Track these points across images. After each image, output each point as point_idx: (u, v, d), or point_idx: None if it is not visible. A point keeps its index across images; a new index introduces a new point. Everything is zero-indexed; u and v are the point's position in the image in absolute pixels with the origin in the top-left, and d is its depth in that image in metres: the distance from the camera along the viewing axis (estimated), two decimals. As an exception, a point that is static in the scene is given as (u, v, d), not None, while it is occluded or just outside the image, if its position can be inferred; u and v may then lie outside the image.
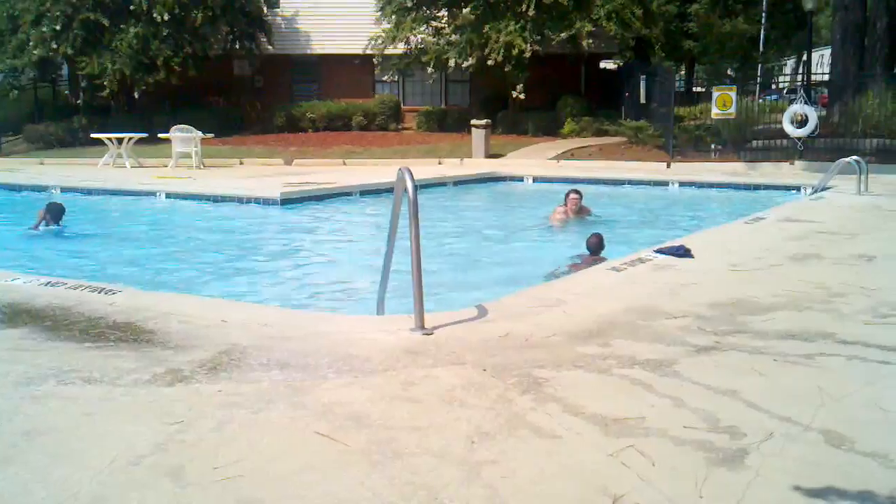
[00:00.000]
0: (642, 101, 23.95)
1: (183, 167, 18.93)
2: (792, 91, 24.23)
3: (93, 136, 21.10)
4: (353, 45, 27.05)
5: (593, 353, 4.13)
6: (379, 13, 25.70)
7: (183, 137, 19.37)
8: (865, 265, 6.64)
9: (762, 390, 3.57)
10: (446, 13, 25.76)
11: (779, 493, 2.64)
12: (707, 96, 22.74)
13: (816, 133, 18.19)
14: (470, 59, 24.05)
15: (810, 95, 20.15)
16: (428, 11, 25.59)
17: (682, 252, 6.95)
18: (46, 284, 5.76)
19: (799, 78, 28.85)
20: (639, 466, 2.82)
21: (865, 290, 5.59)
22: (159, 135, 20.23)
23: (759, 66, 42.77)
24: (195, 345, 4.28)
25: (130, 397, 3.54)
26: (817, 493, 2.63)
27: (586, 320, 4.79)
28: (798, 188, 14.31)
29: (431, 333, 4.47)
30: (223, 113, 27.19)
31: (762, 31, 41.27)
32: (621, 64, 30.78)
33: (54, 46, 24.03)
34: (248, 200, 13.15)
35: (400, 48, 25.72)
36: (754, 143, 20.00)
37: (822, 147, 18.47)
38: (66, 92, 29.63)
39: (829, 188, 12.78)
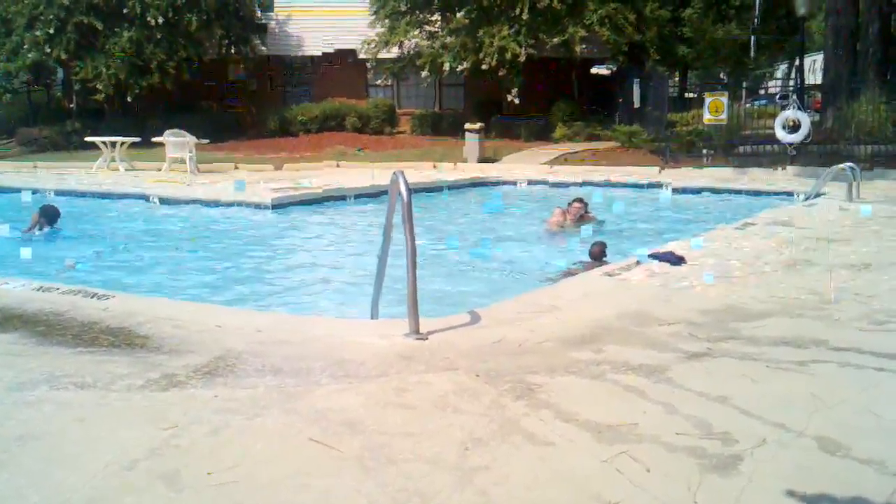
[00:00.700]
0: (635, 105, 24.00)
1: (177, 171, 18.89)
2: (784, 97, 24.30)
3: (86, 139, 21.05)
4: (348, 48, 27.07)
5: (586, 359, 4.14)
6: (373, 17, 25.73)
7: (177, 142, 19.32)
8: (858, 272, 6.66)
9: (755, 397, 3.58)
10: (440, 17, 25.82)
11: (772, 499, 2.65)
12: (699, 102, 22.79)
13: (809, 139, 18.24)
14: (464, 63, 24.09)
15: (803, 101, 20.22)
16: (422, 15, 25.64)
17: (675, 258, 6.97)
18: (39, 289, 5.75)
19: (791, 83, 28.95)
20: (632, 473, 2.83)
21: (858, 296, 5.61)
22: (153, 139, 20.19)
23: (751, 71, 42.86)
24: (189, 350, 4.28)
25: (124, 402, 3.54)
26: (811, 500, 2.64)
27: (579, 326, 4.80)
28: (790, 194, 14.34)
29: (425, 338, 4.47)
30: (217, 117, 27.17)
31: (752, 37, 41.34)
32: (614, 69, 30.81)
33: (48, 50, 23.96)
34: (240, 205, 13.14)
35: (394, 52, 25.75)
36: (746, 148, 20.04)
37: (815, 153, 18.52)
38: (60, 95, 29.58)
39: (822, 194, 12.81)
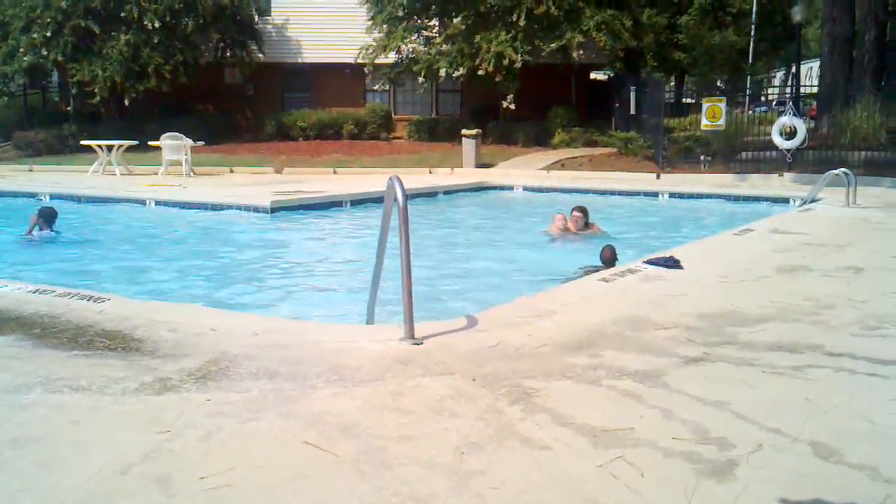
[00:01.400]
0: (632, 112, 24.05)
1: (173, 175, 18.90)
2: (781, 103, 24.37)
3: (83, 143, 21.08)
4: (345, 53, 27.11)
5: (583, 364, 4.14)
6: (370, 22, 25.77)
7: (173, 145, 19.35)
8: (854, 277, 6.67)
9: (751, 401, 3.58)
10: (437, 23, 25.89)
11: (767, 504, 2.65)
12: (697, 108, 22.84)
13: (805, 145, 18.30)
14: (461, 68, 24.15)
15: (799, 107, 20.27)
16: (419, 21, 25.71)
17: (672, 263, 6.97)
18: (35, 292, 5.74)
19: (788, 90, 29.01)
20: (628, 478, 2.82)
21: (853, 301, 5.61)
22: (149, 142, 20.19)
23: (749, 77, 42.97)
24: (184, 353, 4.27)
25: (119, 406, 3.53)
26: (805, 505, 2.64)
27: (576, 331, 4.80)
28: (787, 200, 14.37)
29: (421, 343, 4.46)
30: (214, 121, 27.21)
31: (751, 43, 41.51)
32: (612, 75, 30.92)
33: (44, 53, 24.03)
34: (238, 208, 13.13)
35: (391, 57, 25.79)
36: (743, 154, 20.10)
37: (811, 159, 18.58)
38: (57, 99, 29.61)
39: (817, 200, 12.84)
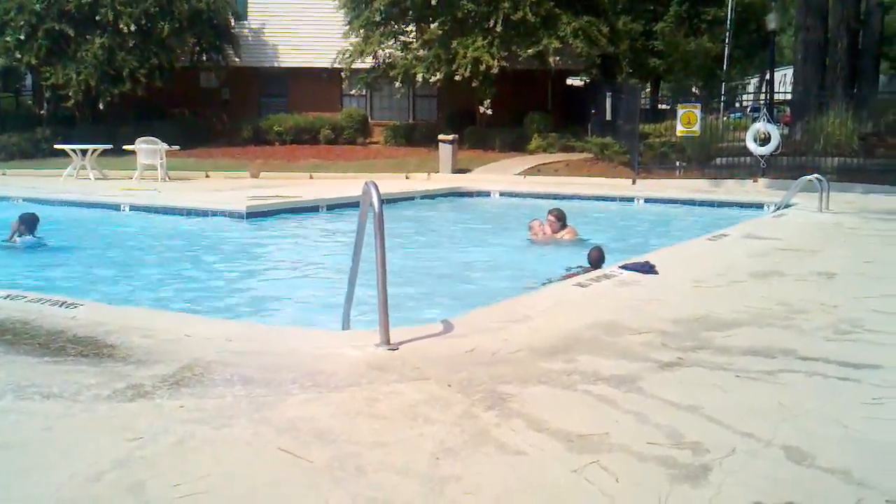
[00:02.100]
0: (608, 117, 24.18)
1: (148, 179, 18.77)
2: (755, 109, 24.59)
3: (56, 147, 20.87)
4: (322, 58, 27.06)
5: (558, 369, 4.14)
6: (347, 27, 25.74)
7: (148, 149, 19.21)
8: (826, 282, 6.73)
9: (725, 406, 3.59)
10: (414, 28, 25.90)
11: (740, 508, 2.66)
12: (672, 114, 23.00)
13: (779, 151, 18.46)
14: (437, 74, 24.17)
15: (773, 114, 20.46)
16: (396, 26, 25.72)
17: (647, 268, 7.00)
18: (6, 297, 5.67)
19: (762, 96, 29.26)
20: (602, 482, 2.82)
21: (826, 306, 5.66)
22: (124, 146, 20.04)
23: (723, 84, 43.32)
24: (157, 359, 4.23)
25: (90, 413, 3.49)
26: (778, 509, 2.65)
27: (552, 336, 4.80)
28: (761, 205, 14.48)
29: (397, 349, 4.45)
30: (189, 125, 27.05)
31: (726, 50, 41.84)
32: (588, 81, 31.02)
33: (18, 56, 23.81)
34: (214, 213, 13.06)
35: (368, 62, 25.77)
36: (718, 160, 20.25)
37: (785, 165, 18.74)
38: (30, 102, 29.34)
39: (791, 205, 12.94)
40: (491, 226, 14.16)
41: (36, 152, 23.95)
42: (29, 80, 28.55)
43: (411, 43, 25.82)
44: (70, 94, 24.07)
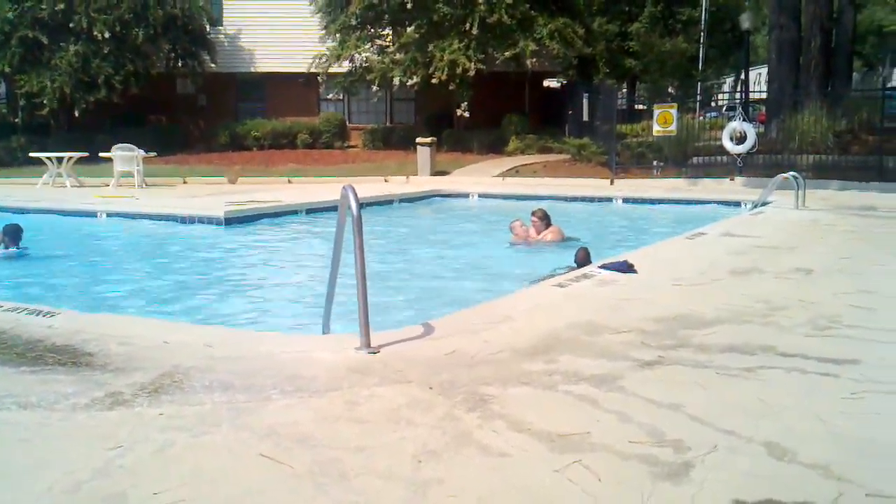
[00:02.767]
0: (585, 118, 24.26)
1: (125, 186, 18.65)
2: (731, 108, 24.75)
3: (32, 155, 20.69)
4: (298, 63, 27.00)
5: (539, 370, 4.14)
6: (323, 32, 25.70)
7: (124, 156, 19.09)
8: (804, 278, 6.78)
9: (705, 404, 3.61)
10: (391, 32, 25.89)
11: (723, 505, 2.67)
12: (649, 114, 23.12)
13: (755, 149, 18.58)
14: (414, 77, 24.19)
15: (749, 113, 20.59)
16: (372, 30, 25.72)
17: (626, 267, 7.02)
18: (-18, 307, 5.61)
19: (738, 96, 29.45)
20: (585, 482, 2.83)
21: (804, 302, 5.70)
22: (100, 154, 19.90)
23: (699, 84, 43.55)
24: (136, 367, 4.20)
25: (69, 422, 3.46)
26: (760, 505, 2.66)
27: (533, 337, 4.81)
28: (738, 203, 14.58)
29: (377, 352, 4.44)
30: (166, 131, 26.92)
31: (701, 50, 42.07)
32: (565, 82, 31.14)
33: (-9, 64, 23.61)
34: (192, 220, 12.99)
35: (345, 67, 25.74)
36: (695, 159, 20.36)
37: (761, 163, 18.87)
38: (4, 111, 29.07)
39: (768, 203, 13.04)
40: (471, 228, 14.16)
41: (11, 161, 23.72)
42: (3, 89, 28.29)
43: (388, 46, 25.82)
44: (45, 101, 23.92)
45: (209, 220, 12.84)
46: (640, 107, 39.59)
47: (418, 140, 21.75)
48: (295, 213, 14.13)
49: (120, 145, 19.26)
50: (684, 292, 6.26)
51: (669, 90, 42.43)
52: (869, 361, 4.25)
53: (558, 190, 17.13)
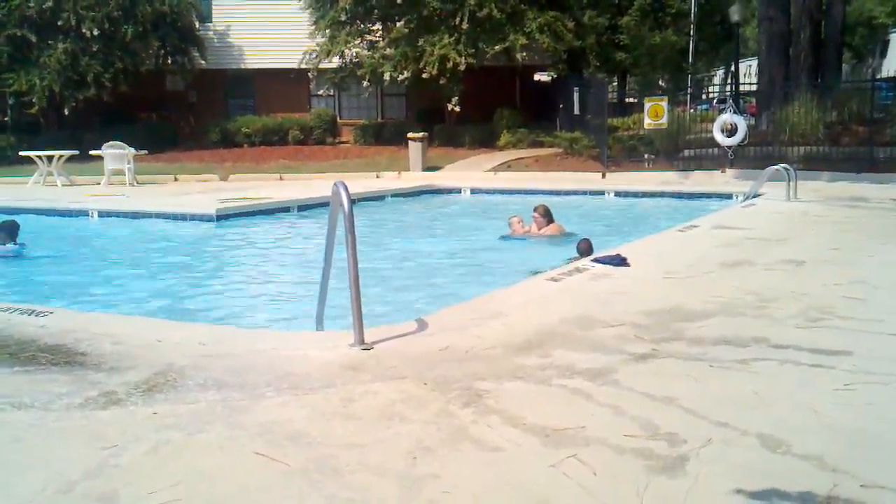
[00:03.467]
0: (576, 112, 24.25)
1: (116, 184, 18.60)
2: (722, 101, 24.79)
3: (21, 154, 20.62)
4: (288, 59, 26.92)
5: (533, 364, 4.14)
6: (313, 27, 25.63)
7: (115, 154, 19.04)
8: (796, 270, 6.80)
9: (699, 396, 3.61)
10: (380, 27, 25.84)
11: (718, 498, 2.67)
12: (640, 107, 23.13)
13: (746, 141, 18.62)
14: (405, 72, 24.13)
15: (739, 105, 20.63)
16: (362, 25, 25.64)
17: (619, 261, 7.03)
18: (-27, 308, 5.59)
19: (728, 88, 29.48)
20: (580, 476, 2.83)
21: (796, 294, 5.71)
22: (91, 152, 19.83)
23: (690, 76, 43.58)
24: (129, 366, 4.19)
25: (62, 422, 3.45)
26: (756, 497, 2.66)
27: (526, 331, 4.81)
28: (730, 196, 14.61)
29: (371, 348, 4.44)
30: (156, 129, 26.83)
31: (691, 43, 42.10)
32: (555, 76, 31.11)
33: (-21, 64, 23.49)
34: (183, 217, 12.96)
35: (335, 62, 25.68)
36: (686, 152, 20.39)
37: (752, 155, 18.90)
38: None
39: (759, 195, 13.07)
40: (463, 223, 14.17)
41: (1, 160, 23.61)
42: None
43: (378, 42, 25.76)
44: (34, 100, 23.81)
45: (201, 218, 12.82)
46: (631, 100, 39.66)
47: (409, 135, 21.73)
48: (287, 209, 14.12)
49: (110, 143, 19.22)
50: (677, 285, 6.26)
51: (660, 83, 42.45)
52: (861, 352, 4.27)
53: (550, 184, 17.15)
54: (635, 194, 16.05)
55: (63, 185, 18.85)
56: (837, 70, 24.98)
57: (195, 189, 17.79)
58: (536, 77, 32.10)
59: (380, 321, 5.36)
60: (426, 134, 22.24)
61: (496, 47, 23.58)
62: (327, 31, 25.23)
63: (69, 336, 4.79)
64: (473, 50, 23.51)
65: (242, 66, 29.29)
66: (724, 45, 46.26)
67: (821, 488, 2.71)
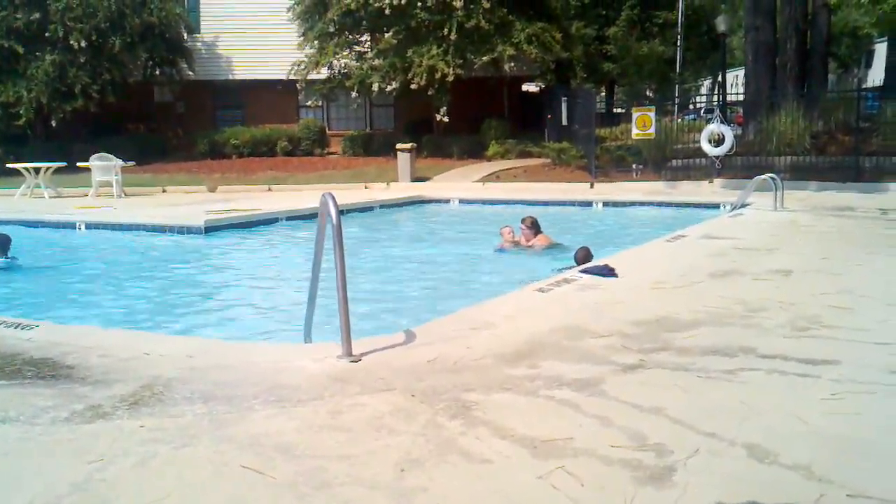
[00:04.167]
0: (564, 122, 24.33)
1: (104, 196, 18.54)
2: (709, 111, 24.90)
3: (9, 165, 20.54)
4: (277, 70, 26.95)
5: (522, 375, 4.14)
6: (301, 38, 25.67)
7: (103, 166, 18.99)
8: (783, 280, 6.82)
9: (687, 407, 3.62)
10: (369, 38, 25.90)
11: (705, 508, 2.68)
12: (627, 117, 23.21)
13: (733, 151, 18.69)
14: (393, 83, 24.19)
15: (726, 115, 20.72)
16: (350, 36, 25.70)
17: (607, 271, 7.04)
18: (-42, 321, 5.55)
19: (715, 98, 29.60)
20: (568, 488, 2.83)
21: (783, 304, 5.73)
22: (78, 163, 19.77)
23: (677, 86, 43.78)
24: (116, 379, 4.17)
25: (49, 436, 3.43)
26: (742, 507, 2.67)
27: (514, 342, 4.81)
28: (717, 205, 14.66)
29: (359, 360, 4.43)
30: (144, 140, 26.79)
31: (678, 53, 42.32)
32: (543, 87, 31.23)
33: (-34, 75, 23.42)
34: (171, 229, 12.92)
35: (323, 73, 25.71)
36: (674, 161, 20.46)
37: (740, 165, 18.98)
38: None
39: (747, 205, 13.11)
40: (452, 233, 14.16)
41: (-13, 172, 23.55)
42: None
43: (366, 53, 25.81)
44: (21, 111, 23.75)
45: (189, 230, 12.78)
46: (619, 110, 39.78)
47: (398, 146, 21.76)
48: (275, 221, 14.09)
49: (98, 155, 19.17)
50: (665, 295, 6.27)
51: (647, 93, 42.63)
52: (848, 362, 4.28)
53: (539, 194, 17.18)
54: (623, 204, 16.09)
55: (50, 197, 18.78)
56: (823, 80, 25.12)
57: (183, 200, 17.75)
58: (524, 87, 32.21)
59: (368, 333, 5.35)
60: (415, 145, 22.27)
61: (484, 58, 23.66)
62: (316, 42, 25.28)
63: (55, 349, 4.77)
64: (461, 60, 23.58)
65: (231, 78, 29.29)
66: (710, 55, 46.51)
67: (808, 498, 2.72)
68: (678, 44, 42.01)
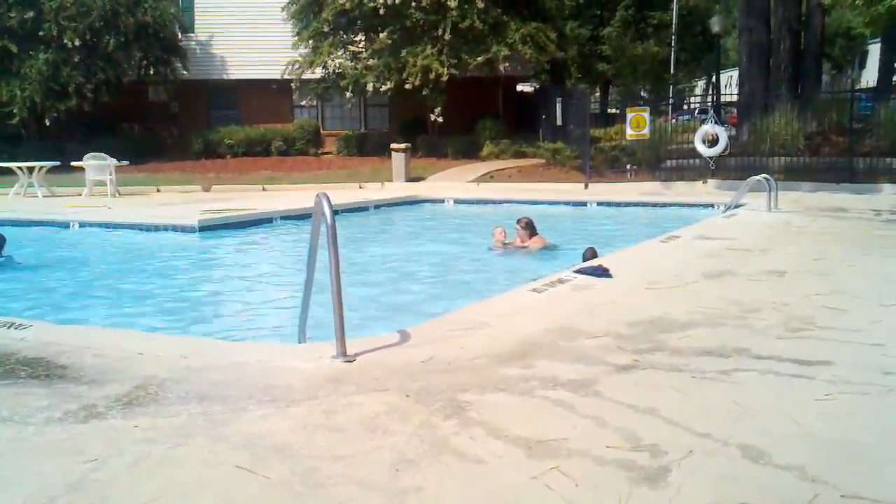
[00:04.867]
0: (559, 123, 24.34)
1: (97, 195, 18.50)
2: (703, 111, 24.95)
3: (2, 165, 20.48)
4: (271, 70, 26.93)
5: (516, 375, 4.15)
6: (296, 38, 25.65)
7: (97, 165, 18.95)
8: (777, 280, 6.83)
9: (681, 407, 3.62)
10: (363, 38, 25.88)
11: (699, 509, 2.68)
12: (622, 118, 23.24)
13: (727, 152, 18.73)
14: (388, 83, 24.19)
15: (720, 115, 20.76)
16: (345, 36, 25.69)
17: (601, 272, 7.04)
18: (-49, 321, 5.54)
19: (709, 99, 29.65)
20: (562, 488, 2.83)
21: (777, 305, 5.74)
22: (72, 163, 19.73)
23: (671, 87, 43.83)
24: (110, 379, 4.16)
25: (42, 436, 3.42)
26: (736, 508, 2.68)
27: (509, 342, 4.81)
28: (711, 206, 14.68)
29: (353, 360, 4.43)
30: (139, 139, 26.75)
31: (673, 53, 42.37)
32: (538, 87, 31.26)
33: (-41, 74, 23.37)
34: (166, 228, 12.89)
35: (318, 73, 25.70)
36: (668, 162, 20.49)
37: (734, 165, 19.02)
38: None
39: (741, 206, 13.14)
40: (447, 233, 14.16)
41: (-20, 171, 23.49)
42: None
43: (361, 53, 25.80)
44: (15, 111, 23.69)
45: (183, 229, 12.76)
46: (613, 110, 39.82)
47: (393, 146, 21.76)
48: (269, 220, 14.07)
49: (92, 154, 19.13)
50: (659, 296, 6.28)
51: (642, 94, 42.68)
52: (842, 362, 4.29)
53: (533, 195, 17.18)
54: (618, 205, 16.11)
55: (44, 196, 18.73)
56: (817, 81, 25.17)
57: (177, 200, 17.72)
58: (519, 88, 32.23)
59: (362, 333, 5.35)
60: (409, 145, 22.28)
61: (479, 58, 23.68)
62: (310, 41, 25.27)
63: (49, 349, 4.76)
64: (456, 60, 23.60)
65: (225, 77, 29.27)
66: (705, 56, 46.57)
67: (802, 499, 2.73)
68: (672, 44, 42.04)
